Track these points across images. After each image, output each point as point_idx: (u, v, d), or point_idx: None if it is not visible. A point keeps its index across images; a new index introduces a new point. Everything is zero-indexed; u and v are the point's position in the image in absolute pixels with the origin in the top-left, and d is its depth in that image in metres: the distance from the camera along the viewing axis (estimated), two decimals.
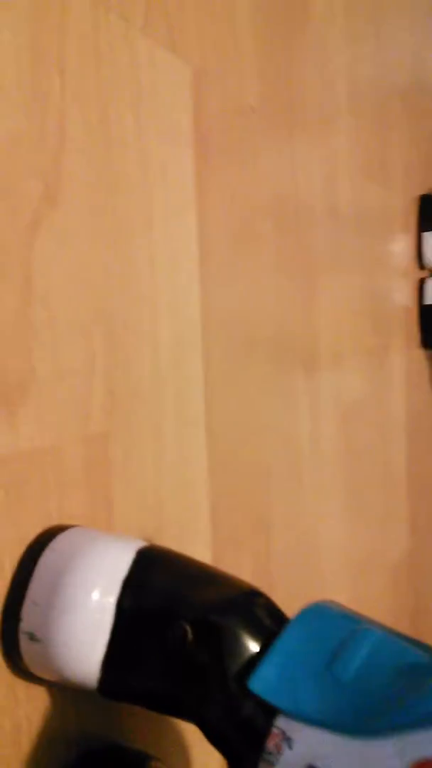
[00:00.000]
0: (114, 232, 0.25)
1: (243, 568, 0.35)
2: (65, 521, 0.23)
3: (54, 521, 0.22)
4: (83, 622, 0.20)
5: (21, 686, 0.21)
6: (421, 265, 0.78)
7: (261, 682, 0.19)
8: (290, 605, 0.39)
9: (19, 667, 0.21)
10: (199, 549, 0.31)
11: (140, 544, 0.22)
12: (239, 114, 0.36)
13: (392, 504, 0.67)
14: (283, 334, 0.42)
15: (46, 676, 0.20)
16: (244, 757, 0.19)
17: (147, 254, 0.27)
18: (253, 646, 0.20)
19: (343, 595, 0.52)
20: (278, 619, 0.21)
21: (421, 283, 0.79)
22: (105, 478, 0.24)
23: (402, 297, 0.75)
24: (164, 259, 0.28)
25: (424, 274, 0.79)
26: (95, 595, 0.21)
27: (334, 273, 0.52)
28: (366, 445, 0.60)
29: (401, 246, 0.74)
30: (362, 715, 0.18)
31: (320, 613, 0.21)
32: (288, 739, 0.18)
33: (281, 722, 0.18)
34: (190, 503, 0.30)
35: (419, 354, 0.80)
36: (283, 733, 0.18)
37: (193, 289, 0.30)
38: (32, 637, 0.20)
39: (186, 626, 0.20)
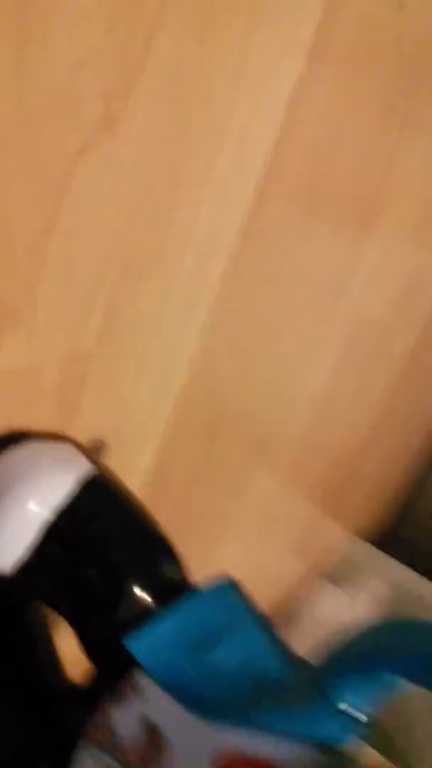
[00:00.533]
0: (167, 175, 0.23)
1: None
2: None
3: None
4: (9, 528, 0.22)
5: None
6: None
7: (133, 642, 0.22)
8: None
9: None
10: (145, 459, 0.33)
11: (86, 470, 0.24)
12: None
13: None
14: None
15: None
16: (99, 687, 0.22)
17: (196, 202, 0.25)
18: (148, 604, 0.22)
19: None
20: (180, 585, 0.24)
21: None
22: (77, 395, 0.26)
23: None
24: (212, 205, 0.26)
25: None
26: (30, 504, 0.23)
27: None
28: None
29: None
30: (202, 699, 0.21)
31: (218, 595, 0.23)
32: (136, 688, 0.21)
33: (137, 675, 0.21)
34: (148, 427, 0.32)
35: None
36: (136, 683, 0.22)
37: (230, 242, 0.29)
38: None
39: (93, 568, 0.22)
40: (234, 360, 0.35)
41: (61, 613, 0.24)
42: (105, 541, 0.23)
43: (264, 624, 0.23)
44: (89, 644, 0.23)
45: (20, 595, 0.24)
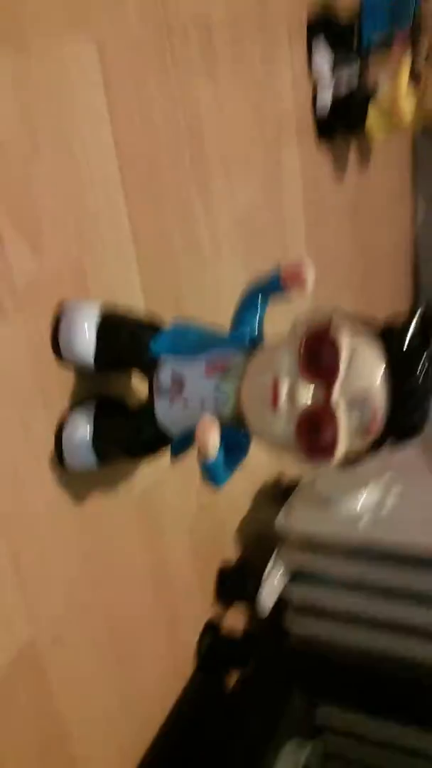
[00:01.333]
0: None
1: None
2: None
3: None
4: (82, 337, 0.49)
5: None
6: (311, 69, 0.95)
7: (154, 347, 0.48)
8: None
9: (61, 358, 0.50)
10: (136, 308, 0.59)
11: (103, 306, 0.50)
12: None
13: None
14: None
15: (72, 359, 0.50)
16: (149, 372, 0.49)
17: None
18: (152, 335, 0.49)
19: None
20: (160, 326, 0.50)
21: (314, 86, 0.97)
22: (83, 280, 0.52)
23: (298, 100, 0.94)
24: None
25: (314, 77, 0.97)
26: (86, 327, 0.49)
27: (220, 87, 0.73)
28: (265, 241, 0.86)
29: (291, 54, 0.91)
30: (191, 353, 0.48)
31: (179, 322, 0.50)
32: (164, 362, 0.48)
33: (163, 357, 0.48)
34: (127, 282, 0.58)
35: (316, 147, 1.01)
36: (164, 361, 0.48)
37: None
38: (65, 344, 0.49)
39: (125, 331, 0.49)
40: None
41: (121, 366, 0.51)
42: (121, 325, 0.50)
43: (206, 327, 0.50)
44: (144, 370, 0.50)
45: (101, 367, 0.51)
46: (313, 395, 0.42)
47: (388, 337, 0.43)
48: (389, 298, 1.50)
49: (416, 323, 0.43)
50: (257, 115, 0.82)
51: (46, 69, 0.48)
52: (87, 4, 0.52)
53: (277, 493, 0.94)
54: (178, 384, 0.48)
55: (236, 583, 0.77)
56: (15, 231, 0.46)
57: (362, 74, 1.02)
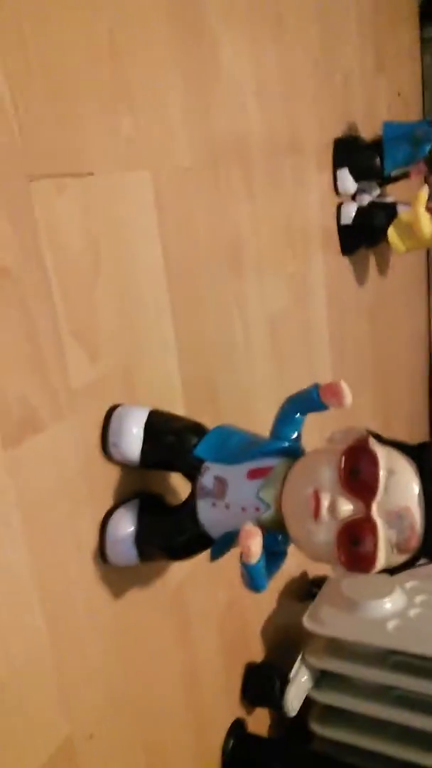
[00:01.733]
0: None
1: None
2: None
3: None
4: (130, 439, 0.53)
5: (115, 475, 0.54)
6: (337, 193, 1.05)
7: (198, 452, 0.52)
8: None
9: (109, 458, 0.54)
10: (177, 407, 0.63)
11: (150, 408, 0.55)
12: None
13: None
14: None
15: (118, 459, 0.54)
16: (193, 475, 0.52)
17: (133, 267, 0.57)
18: (196, 439, 0.53)
19: None
20: (205, 430, 0.54)
21: (339, 207, 1.06)
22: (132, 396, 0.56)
23: (323, 219, 1.02)
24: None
25: (340, 200, 1.06)
26: (134, 429, 0.53)
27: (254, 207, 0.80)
28: (292, 342, 0.92)
29: (319, 181, 1.00)
30: (234, 458, 0.51)
31: (221, 427, 0.54)
32: (207, 468, 0.52)
33: (206, 463, 0.52)
34: (169, 385, 0.63)
35: (338, 260, 1.08)
36: (206, 466, 0.52)
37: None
38: (113, 444, 0.53)
39: (170, 435, 0.53)
40: None
41: (165, 467, 0.54)
42: (167, 429, 0.54)
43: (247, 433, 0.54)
44: (187, 472, 0.53)
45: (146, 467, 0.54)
46: (353, 509, 0.45)
47: (422, 456, 0.46)
48: (408, 401, 1.54)
49: None
50: (288, 231, 0.90)
51: (108, 195, 0.54)
52: (144, 139, 0.59)
53: (303, 592, 0.95)
54: (221, 487, 0.51)
55: (262, 683, 0.77)
56: (74, 339, 0.50)
57: (382, 198, 1.11)
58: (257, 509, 0.49)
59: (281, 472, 0.49)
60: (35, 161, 0.47)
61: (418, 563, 0.47)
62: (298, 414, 0.52)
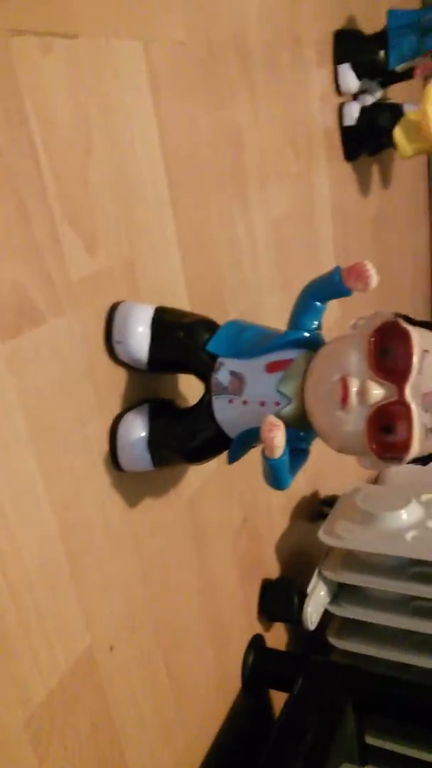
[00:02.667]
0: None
1: None
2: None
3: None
4: (136, 337, 0.49)
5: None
6: (339, 92, 0.98)
7: (211, 347, 0.48)
8: None
9: (115, 359, 0.50)
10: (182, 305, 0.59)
11: (156, 306, 0.50)
12: None
13: None
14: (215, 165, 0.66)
15: (124, 359, 0.50)
16: (206, 373, 0.48)
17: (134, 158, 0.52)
18: (207, 335, 0.49)
19: None
20: (217, 325, 0.50)
21: (340, 107, 0.99)
22: (134, 282, 0.52)
23: (325, 119, 0.96)
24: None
25: (342, 99, 0.99)
26: (140, 328, 0.49)
27: (254, 103, 0.74)
28: (297, 246, 0.87)
29: (320, 77, 0.93)
30: (250, 352, 0.47)
31: (234, 322, 0.50)
32: (222, 363, 0.48)
33: (219, 358, 0.48)
34: (178, 292, 0.58)
35: (342, 165, 1.02)
36: (221, 362, 0.48)
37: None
38: (118, 342, 0.49)
39: (180, 331, 0.49)
40: None
41: (175, 367, 0.50)
42: (176, 325, 0.49)
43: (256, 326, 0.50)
44: (200, 371, 0.49)
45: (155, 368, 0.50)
46: (385, 393, 0.41)
47: None
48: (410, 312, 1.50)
49: None
50: (289, 132, 0.83)
51: (97, 65, 0.48)
52: (136, 7, 0.53)
53: (313, 511, 0.93)
54: (238, 383, 0.47)
55: (280, 598, 0.76)
56: (69, 226, 0.45)
57: (387, 96, 1.04)
58: (277, 403, 0.46)
59: (302, 364, 0.45)
60: (18, 14, 0.41)
61: None
62: (319, 301, 0.47)
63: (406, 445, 0.41)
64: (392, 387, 0.41)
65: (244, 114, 0.72)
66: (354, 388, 0.41)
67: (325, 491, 0.98)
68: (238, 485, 0.71)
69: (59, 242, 0.44)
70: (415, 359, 0.40)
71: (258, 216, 0.75)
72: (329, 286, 0.46)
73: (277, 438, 0.42)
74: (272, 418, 0.42)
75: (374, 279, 0.44)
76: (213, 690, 0.67)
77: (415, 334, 0.41)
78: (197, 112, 0.62)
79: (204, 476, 0.63)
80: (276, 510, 0.83)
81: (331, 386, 0.42)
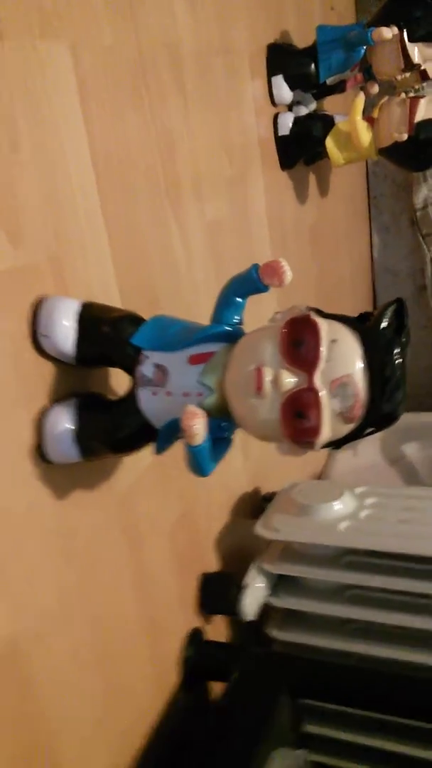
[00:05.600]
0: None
1: None
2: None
3: None
4: (62, 331, 0.50)
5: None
6: (273, 103, 1.01)
7: (135, 340, 0.50)
8: None
9: (41, 352, 0.51)
10: None
11: (83, 301, 0.52)
12: None
13: None
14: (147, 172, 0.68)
15: (51, 353, 0.51)
16: (131, 366, 0.50)
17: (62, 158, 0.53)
18: (132, 329, 0.50)
19: None
20: (142, 320, 0.52)
21: (275, 117, 1.02)
22: (61, 278, 0.53)
23: (260, 131, 0.99)
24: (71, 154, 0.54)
25: (277, 110, 1.02)
26: (65, 322, 0.50)
27: (186, 110, 0.76)
28: (233, 252, 0.89)
29: (253, 89, 0.96)
30: (174, 346, 0.49)
31: (160, 317, 0.52)
32: (146, 356, 0.49)
33: (144, 352, 0.49)
34: (109, 290, 0.60)
35: (278, 175, 1.05)
36: (145, 355, 0.49)
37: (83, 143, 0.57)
38: (44, 336, 0.50)
39: (106, 326, 0.50)
40: None
41: (102, 361, 0.52)
42: (102, 319, 0.51)
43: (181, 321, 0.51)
44: (126, 364, 0.51)
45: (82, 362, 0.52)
46: (297, 381, 0.44)
47: (364, 326, 0.45)
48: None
49: (390, 313, 0.46)
50: (224, 140, 0.86)
51: (22, 65, 0.50)
52: (62, 12, 0.55)
53: (255, 509, 0.95)
54: (162, 375, 0.49)
55: (218, 592, 0.77)
56: None
57: (319, 108, 1.08)
58: (200, 394, 0.48)
59: (223, 356, 0.48)
60: None
61: (365, 433, 0.46)
62: (239, 297, 0.50)
63: (316, 430, 0.43)
64: (303, 375, 0.43)
65: (177, 120, 0.74)
66: (268, 377, 0.44)
67: (266, 488, 1.00)
68: (177, 481, 0.72)
69: None
70: (323, 348, 0.43)
71: (192, 221, 0.77)
72: (247, 283, 0.48)
73: (196, 426, 0.44)
74: (192, 408, 0.44)
75: (288, 275, 0.47)
76: (150, 684, 0.68)
77: (324, 325, 0.44)
78: (128, 115, 0.64)
79: (139, 471, 0.65)
80: (216, 506, 0.84)
81: (248, 375, 0.44)
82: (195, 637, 0.75)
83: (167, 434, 0.50)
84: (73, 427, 0.51)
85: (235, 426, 0.49)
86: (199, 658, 0.74)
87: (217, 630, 0.82)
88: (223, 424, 0.48)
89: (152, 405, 0.49)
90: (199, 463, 0.47)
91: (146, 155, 0.68)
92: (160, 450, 0.51)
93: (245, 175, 0.92)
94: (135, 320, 0.51)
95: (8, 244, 0.48)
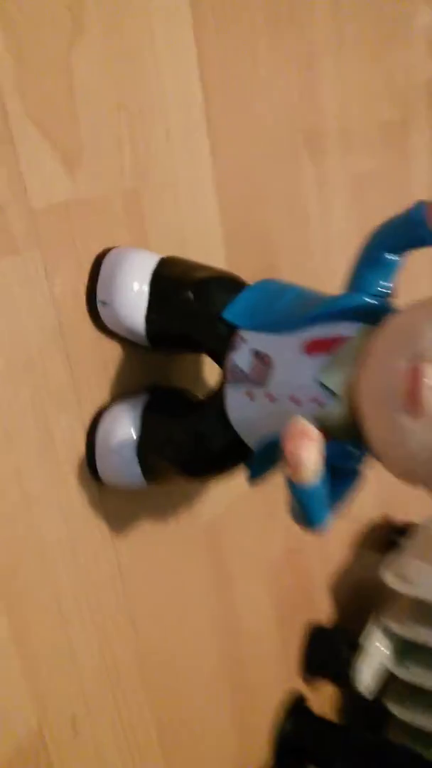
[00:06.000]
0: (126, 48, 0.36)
1: None
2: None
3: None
4: (130, 296, 0.35)
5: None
6: None
7: (228, 314, 0.34)
8: None
9: (101, 326, 0.36)
10: None
11: (162, 256, 0.37)
12: None
13: None
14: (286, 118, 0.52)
15: (115, 329, 0.36)
16: (221, 352, 0.34)
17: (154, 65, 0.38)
18: (226, 298, 0.34)
19: None
20: (243, 285, 0.35)
21: None
22: (140, 221, 0.38)
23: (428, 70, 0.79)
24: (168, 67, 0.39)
25: None
26: (135, 284, 0.35)
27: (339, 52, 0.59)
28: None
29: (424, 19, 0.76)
30: (283, 325, 0.33)
31: (268, 282, 0.35)
32: (243, 339, 0.33)
33: (240, 332, 0.33)
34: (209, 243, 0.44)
35: None
36: (241, 336, 0.33)
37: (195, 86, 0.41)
38: (104, 303, 0.35)
39: (189, 292, 0.35)
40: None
41: (184, 343, 0.36)
42: (184, 281, 0.35)
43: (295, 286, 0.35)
44: (213, 347, 0.35)
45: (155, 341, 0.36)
46: None
47: None
48: None
49: None
50: (384, 80, 0.68)
51: None
52: None
53: (382, 542, 0.76)
54: (263, 368, 0.33)
55: (327, 652, 0.60)
56: (38, 130, 0.32)
57: None
58: (317, 401, 0.31)
59: (358, 345, 0.30)
60: None
61: None
62: (391, 253, 0.32)
63: None
64: None
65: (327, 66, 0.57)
66: (430, 380, 0.26)
67: (399, 517, 0.81)
68: (282, 508, 0.56)
69: (13, 145, 0.31)
70: None
71: (333, 170, 0.59)
72: (408, 229, 0.31)
73: (306, 453, 0.27)
74: (302, 423, 0.28)
75: None
76: (230, 761, 0.53)
77: None
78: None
79: (231, 496, 0.49)
80: (330, 539, 0.67)
81: (396, 379, 0.27)
82: (297, 707, 0.58)
83: (266, 457, 0.34)
84: (136, 437, 0.36)
85: (369, 453, 0.31)
86: (298, 734, 0.58)
87: (323, 698, 0.65)
88: (350, 448, 0.31)
89: (246, 412, 0.33)
90: (309, 510, 0.30)
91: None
92: (254, 477, 0.35)
93: (407, 121, 0.73)
94: (230, 284, 0.35)
95: (61, 169, 0.33)
